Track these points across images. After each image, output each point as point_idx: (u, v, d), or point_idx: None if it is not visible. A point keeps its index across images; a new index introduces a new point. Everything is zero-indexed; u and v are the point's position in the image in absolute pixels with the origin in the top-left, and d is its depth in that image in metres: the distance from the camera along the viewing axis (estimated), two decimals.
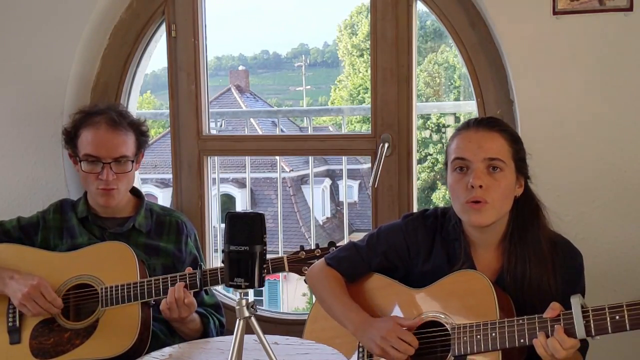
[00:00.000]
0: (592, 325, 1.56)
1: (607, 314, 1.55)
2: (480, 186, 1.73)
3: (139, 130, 2.33)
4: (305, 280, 2.14)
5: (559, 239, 1.84)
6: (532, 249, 1.79)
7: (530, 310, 1.66)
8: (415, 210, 2.54)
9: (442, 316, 1.77)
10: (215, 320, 2.30)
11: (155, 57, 2.92)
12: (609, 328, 1.55)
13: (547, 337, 1.59)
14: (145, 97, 18.67)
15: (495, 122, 1.84)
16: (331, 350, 1.72)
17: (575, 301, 1.58)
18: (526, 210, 1.83)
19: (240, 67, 20.81)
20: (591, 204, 2.22)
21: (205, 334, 2.25)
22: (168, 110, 2.84)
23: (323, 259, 2.02)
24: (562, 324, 1.58)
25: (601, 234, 2.21)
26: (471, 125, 1.82)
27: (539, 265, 1.77)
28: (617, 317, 1.54)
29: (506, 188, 1.77)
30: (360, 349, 1.87)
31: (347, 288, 1.94)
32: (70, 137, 2.31)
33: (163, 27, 2.76)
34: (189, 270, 2.12)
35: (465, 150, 1.77)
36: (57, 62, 2.68)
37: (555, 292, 1.73)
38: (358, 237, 2.11)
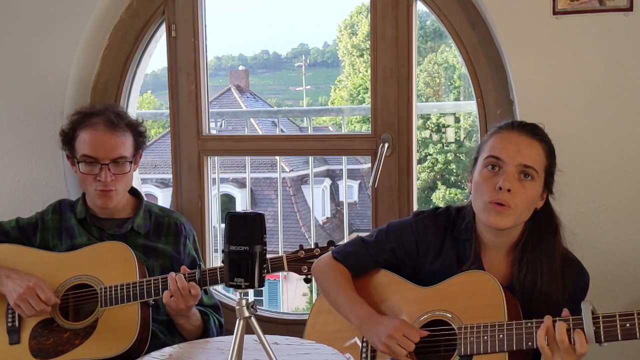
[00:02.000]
0: (601, 331, 1.56)
1: (618, 321, 1.55)
2: (509, 190, 1.72)
3: (137, 131, 2.32)
4: (305, 280, 2.14)
5: (571, 256, 1.84)
6: (545, 262, 1.78)
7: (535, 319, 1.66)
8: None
9: (449, 315, 1.77)
10: (215, 319, 2.30)
11: (155, 57, 2.92)
12: (619, 335, 1.54)
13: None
14: (145, 97, 18.67)
15: (538, 130, 1.82)
16: (331, 350, 1.71)
17: (586, 307, 1.58)
18: (544, 223, 1.82)
19: (240, 67, 20.82)
20: (591, 204, 2.22)
21: (205, 330, 2.25)
22: (168, 110, 2.84)
23: (330, 252, 2.01)
24: (571, 327, 1.58)
25: (601, 234, 2.21)
26: (515, 127, 1.80)
27: (550, 279, 1.77)
28: (628, 325, 1.54)
29: (531, 197, 1.76)
30: (364, 344, 1.86)
31: (353, 283, 1.93)
32: (68, 139, 2.30)
33: (163, 27, 2.76)
34: (184, 269, 2.12)
35: (503, 151, 1.76)
36: (57, 62, 2.68)
37: (561, 306, 1.70)
38: None
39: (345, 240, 2.17)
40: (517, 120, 1.87)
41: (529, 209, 1.78)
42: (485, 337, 1.68)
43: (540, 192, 1.79)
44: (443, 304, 1.79)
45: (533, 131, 1.80)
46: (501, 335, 1.66)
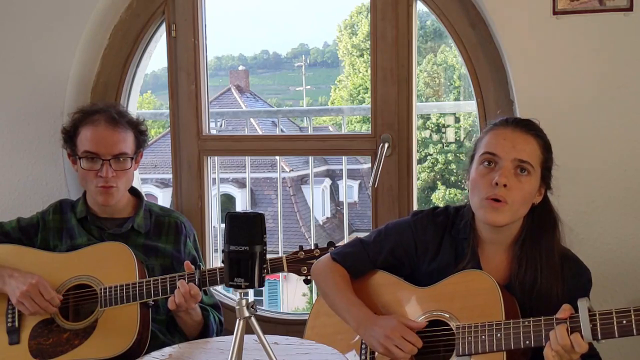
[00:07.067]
0: (598, 328, 1.55)
1: (614, 318, 1.54)
2: (505, 185, 1.72)
3: (138, 129, 2.33)
4: (305, 281, 2.15)
5: (569, 254, 1.84)
6: (544, 259, 1.78)
7: (535, 317, 1.65)
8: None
9: (447, 315, 1.77)
10: (215, 316, 2.31)
11: (155, 57, 2.92)
12: (616, 332, 1.54)
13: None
14: (145, 97, 18.68)
15: (533, 125, 1.83)
16: (331, 350, 1.71)
17: (583, 304, 1.57)
18: (543, 220, 1.82)
19: (240, 67, 20.84)
20: (591, 204, 2.22)
21: (205, 327, 2.26)
22: (168, 110, 2.84)
23: (329, 253, 2.01)
24: (568, 327, 1.58)
25: (601, 234, 2.21)
26: (509, 123, 1.81)
27: (550, 276, 1.77)
28: (624, 322, 1.53)
29: (528, 193, 1.76)
30: (363, 346, 1.86)
31: (351, 284, 1.93)
32: (70, 136, 2.31)
33: (163, 27, 2.76)
34: (187, 264, 2.13)
35: (498, 146, 1.76)
36: (57, 62, 2.68)
37: (562, 303, 1.69)
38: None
39: (346, 241, 2.17)
40: (511, 116, 1.87)
41: (526, 204, 1.78)
42: (483, 337, 1.68)
43: (537, 187, 1.79)
44: (441, 304, 1.79)
45: (528, 126, 1.80)
46: (499, 335, 1.66)
